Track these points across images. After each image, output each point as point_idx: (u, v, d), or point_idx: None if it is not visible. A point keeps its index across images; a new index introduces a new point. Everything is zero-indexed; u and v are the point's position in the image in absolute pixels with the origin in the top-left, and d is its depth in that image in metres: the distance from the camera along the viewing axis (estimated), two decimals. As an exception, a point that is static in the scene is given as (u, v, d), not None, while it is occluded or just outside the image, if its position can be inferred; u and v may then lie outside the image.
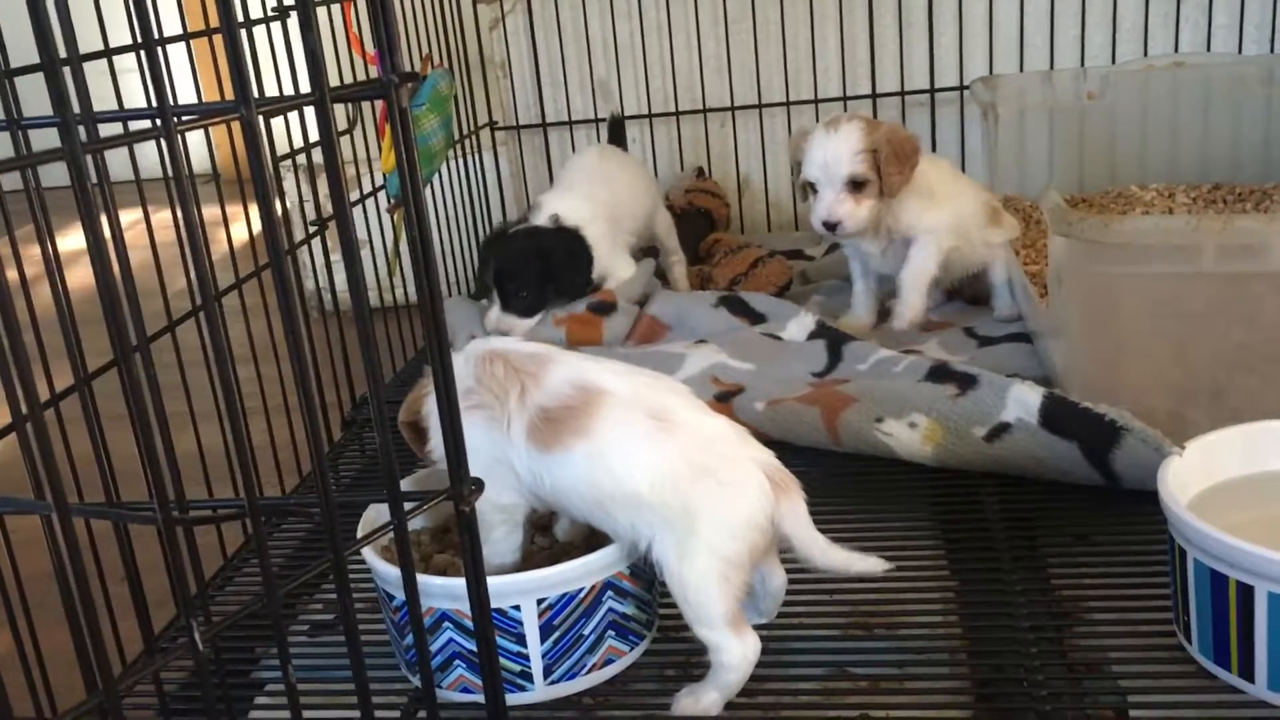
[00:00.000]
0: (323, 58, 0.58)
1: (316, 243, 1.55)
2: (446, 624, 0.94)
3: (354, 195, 1.77)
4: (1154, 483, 0.95)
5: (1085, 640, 0.98)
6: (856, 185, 1.55)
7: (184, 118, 0.61)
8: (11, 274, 0.83)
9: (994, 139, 1.98)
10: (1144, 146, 2.05)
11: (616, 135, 2.08)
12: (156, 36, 1.11)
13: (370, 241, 1.86)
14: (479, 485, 0.77)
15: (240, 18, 1.35)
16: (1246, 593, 0.85)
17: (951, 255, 1.64)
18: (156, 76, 0.55)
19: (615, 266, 1.80)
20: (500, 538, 1.00)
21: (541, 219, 1.75)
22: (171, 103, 0.57)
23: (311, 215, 1.57)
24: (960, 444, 1.24)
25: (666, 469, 0.91)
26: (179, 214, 0.89)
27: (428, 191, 1.94)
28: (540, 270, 1.71)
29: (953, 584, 1.09)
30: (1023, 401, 1.23)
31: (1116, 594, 1.04)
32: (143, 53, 0.99)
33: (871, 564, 0.96)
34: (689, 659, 0.99)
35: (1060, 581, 1.07)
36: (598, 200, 1.80)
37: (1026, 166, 2.03)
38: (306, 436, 0.64)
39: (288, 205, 1.62)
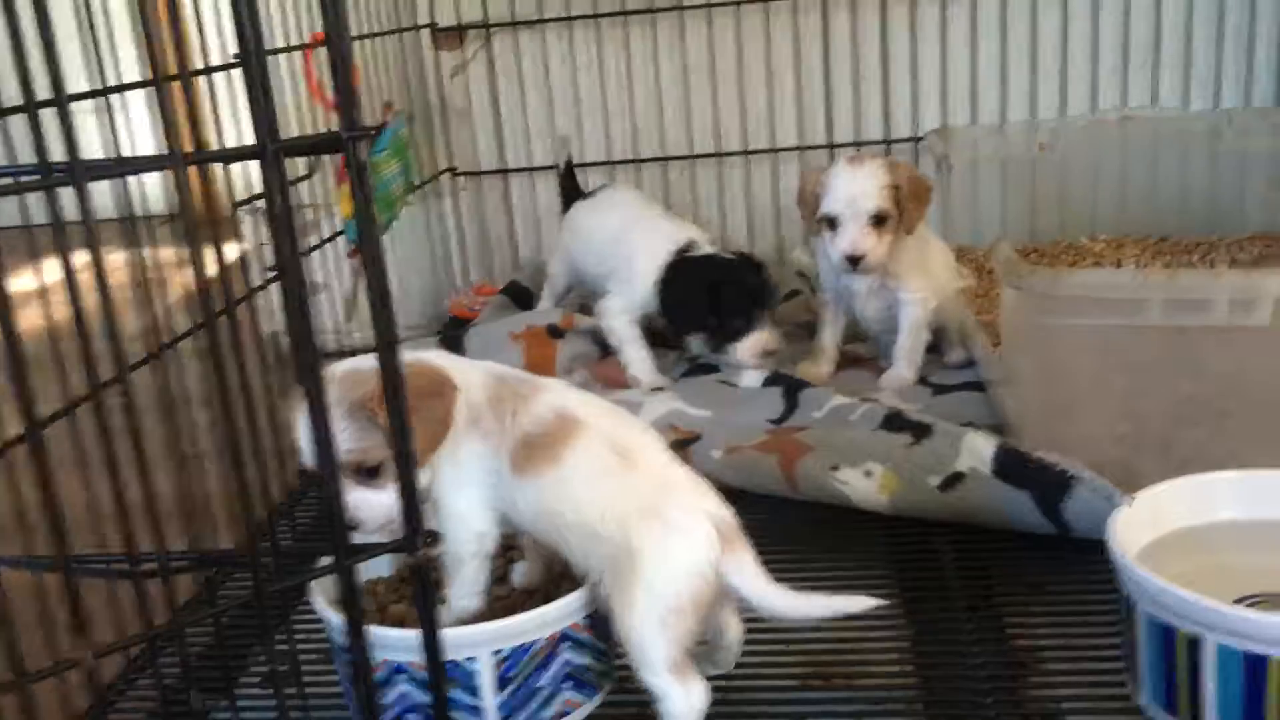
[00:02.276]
0: (267, 108, 0.58)
1: (275, 288, 1.54)
2: (400, 676, 0.93)
3: (313, 240, 1.76)
4: (1104, 532, 0.96)
5: (1040, 690, 0.99)
6: (879, 220, 1.57)
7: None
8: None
9: (947, 190, 2.01)
10: (1094, 198, 2.09)
11: (570, 183, 2.08)
12: (112, 84, 1.11)
13: (328, 286, 1.85)
14: (434, 538, 0.77)
15: (201, 64, 1.36)
16: (1194, 644, 0.86)
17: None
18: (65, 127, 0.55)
19: None
20: (470, 573, 1.00)
21: (705, 249, 1.73)
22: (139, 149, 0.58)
23: (270, 260, 1.56)
24: (915, 493, 1.25)
25: (619, 504, 0.93)
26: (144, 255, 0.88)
27: (387, 237, 1.94)
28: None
29: (909, 633, 1.09)
30: (976, 451, 1.25)
31: (1071, 644, 1.05)
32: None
33: (838, 604, 0.94)
34: (645, 710, 0.98)
35: (1015, 631, 1.08)
36: None
37: (979, 217, 2.07)
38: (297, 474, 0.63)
39: (245, 250, 1.61)
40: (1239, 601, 0.89)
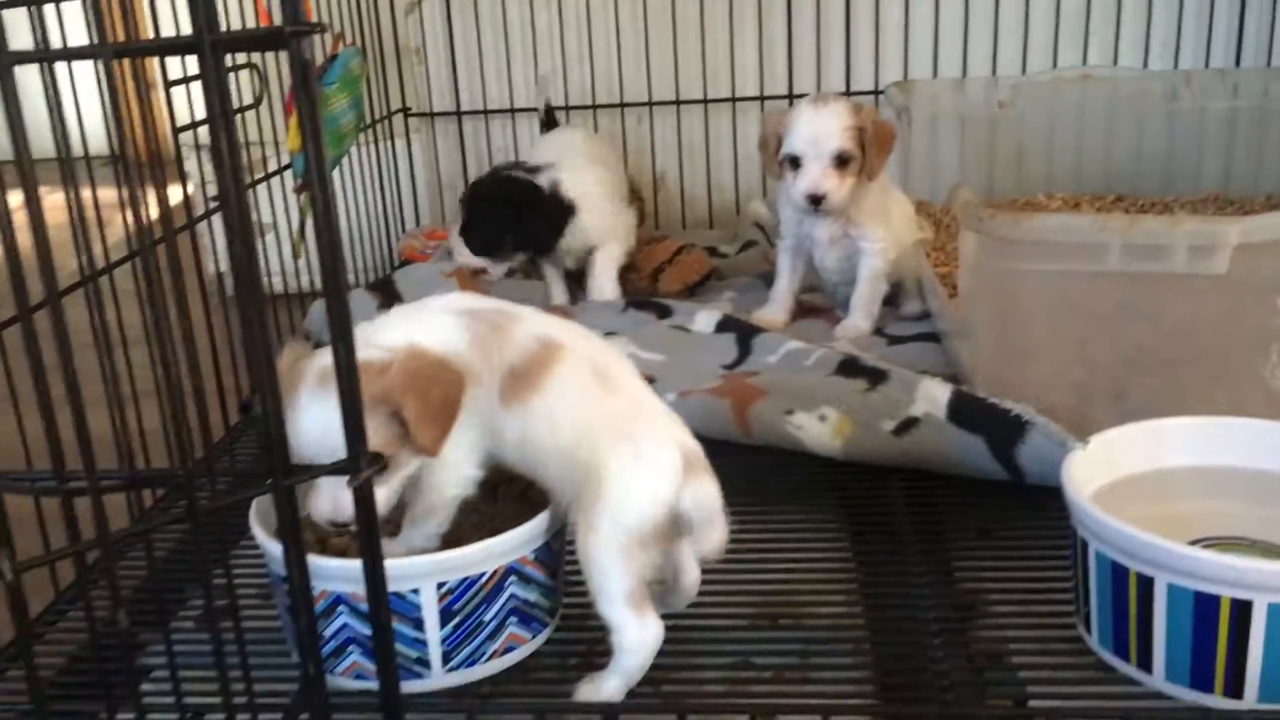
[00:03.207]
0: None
1: (218, 224, 1.49)
2: (341, 608, 0.91)
3: (258, 175, 1.71)
4: (1057, 478, 0.96)
5: (987, 632, 0.99)
6: (842, 161, 1.55)
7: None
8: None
9: (907, 143, 2.00)
10: (1051, 156, 2.09)
11: (550, 124, 2.07)
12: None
13: (275, 224, 1.81)
14: (378, 461, 0.74)
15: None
16: (1146, 584, 0.86)
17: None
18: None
19: (609, 239, 1.83)
20: (444, 517, 0.97)
21: (543, 180, 1.77)
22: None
23: (214, 193, 1.51)
24: (869, 437, 1.24)
25: (594, 425, 0.92)
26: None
27: (335, 175, 1.89)
28: (503, 218, 1.74)
29: (858, 576, 1.09)
30: (931, 396, 1.24)
31: (1018, 587, 1.05)
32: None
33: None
34: (592, 648, 0.97)
35: (964, 574, 1.08)
36: (601, 178, 1.85)
37: (938, 172, 2.05)
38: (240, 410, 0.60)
39: (188, 186, 1.56)
40: (1192, 544, 0.89)
